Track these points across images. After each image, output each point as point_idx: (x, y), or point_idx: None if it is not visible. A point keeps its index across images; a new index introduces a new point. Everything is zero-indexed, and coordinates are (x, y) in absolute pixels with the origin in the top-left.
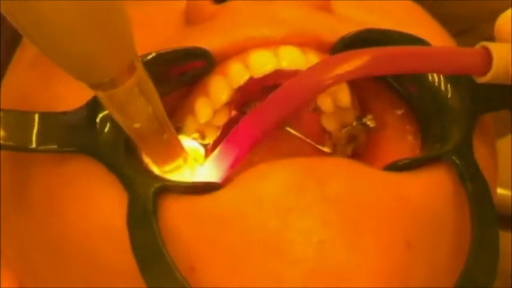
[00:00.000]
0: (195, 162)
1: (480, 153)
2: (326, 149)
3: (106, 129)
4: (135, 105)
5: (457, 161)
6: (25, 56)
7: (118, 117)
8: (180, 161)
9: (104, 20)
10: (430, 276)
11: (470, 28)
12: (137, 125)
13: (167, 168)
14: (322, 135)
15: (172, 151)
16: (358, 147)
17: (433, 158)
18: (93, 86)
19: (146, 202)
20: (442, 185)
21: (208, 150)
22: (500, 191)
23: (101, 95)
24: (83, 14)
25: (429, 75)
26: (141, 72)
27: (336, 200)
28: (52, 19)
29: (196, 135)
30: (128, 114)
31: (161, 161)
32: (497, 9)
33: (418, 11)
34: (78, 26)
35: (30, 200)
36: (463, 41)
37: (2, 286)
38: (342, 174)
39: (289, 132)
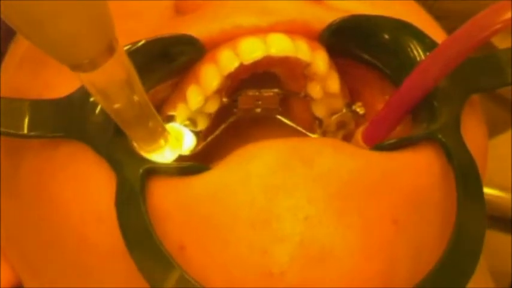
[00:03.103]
0: (176, 142)
1: (468, 132)
2: (316, 136)
3: (96, 113)
4: (115, 86)
5: (443, 139)
6: (17, 51)
7: (98, 98)
8: (161, 142)
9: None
10: (417, 252)
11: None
12: (117, 106)
13: (148, 148)
14: (312, 122)
15: (153, 131)
16: (348, 134)
17: (420, 137)
18: (73, 67)
19: (134, 183)
20: (428, 163)
21: (201, 137)
22: (500, 193)
23: (81, 76)
24: None
25: (417, 56)
26: (120, 52)
27: (321, 178)
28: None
29: (188, 122)
30: (108, 95)
31: (142, 140)
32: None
33: (410, 3)
34: (55, 5)
35: (21, 185)
36: None
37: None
38: (327, 153)
39: (280, 120)
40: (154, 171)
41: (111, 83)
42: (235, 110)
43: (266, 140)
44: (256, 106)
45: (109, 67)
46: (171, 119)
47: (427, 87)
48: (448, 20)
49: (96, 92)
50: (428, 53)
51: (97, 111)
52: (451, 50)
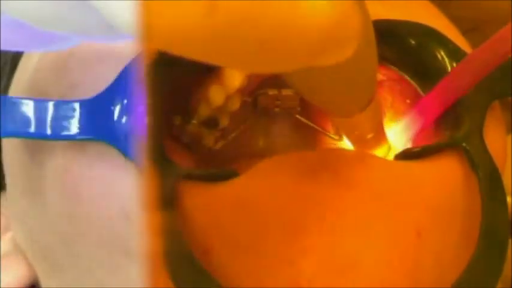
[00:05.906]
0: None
1: (491, 139)
2: (335, 136)
3: (123, 121)
4: None
5: (468, 148)
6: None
7: None
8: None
9: None
10: (439, 263)
11: (473, 28)
12: None
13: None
14: (331, 122)
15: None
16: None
17: (443, 146)
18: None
19: (164, 188)
20: (452, 172)
21: (218, 136)
22: None
23: None
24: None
25: (441, 62)
26: None
27: (348, 189)
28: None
29: (209, 121)
30: None
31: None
32: (500, 10)
33: (429, 6)
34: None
35: (46, 183)
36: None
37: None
38: (354, 165)
39: (299, 120)
40: (184, 176)
41: None
42: (255, 109)
43: (293, 151)
44: (275, 106)
45: None
46: (192, 117)
47: (454, 96)
48: (463, 22)
49: None
50: (452, 59)
51: (124, 119)
52: (481, 59)
